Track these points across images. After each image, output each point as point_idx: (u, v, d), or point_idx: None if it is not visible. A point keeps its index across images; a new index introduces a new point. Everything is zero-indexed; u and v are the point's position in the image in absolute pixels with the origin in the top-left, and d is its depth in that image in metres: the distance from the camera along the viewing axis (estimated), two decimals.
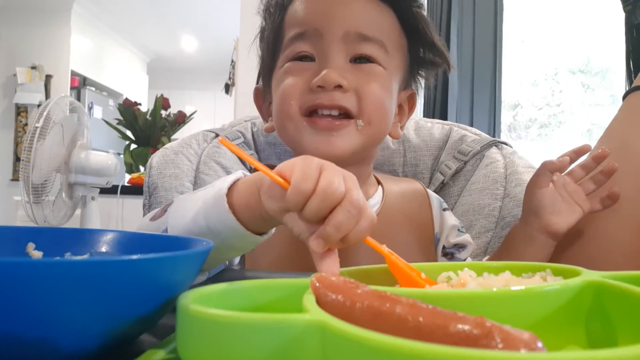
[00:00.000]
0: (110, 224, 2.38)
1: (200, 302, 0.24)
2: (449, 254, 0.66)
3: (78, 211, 2.02)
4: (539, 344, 0.18)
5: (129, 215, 2.43)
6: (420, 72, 0.67)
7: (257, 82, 0.68)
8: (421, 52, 0.64)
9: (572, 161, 0.58)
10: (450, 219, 0.67)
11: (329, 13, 0.58)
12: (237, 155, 0.39)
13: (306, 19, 0.58)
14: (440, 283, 0.34)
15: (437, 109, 2.52)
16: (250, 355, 0.21)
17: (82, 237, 0.39)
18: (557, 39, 3.46)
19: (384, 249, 0.36)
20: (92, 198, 2.02)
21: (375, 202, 0.64)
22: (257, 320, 0.20)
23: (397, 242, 0.61)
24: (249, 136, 0.82)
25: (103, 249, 0.38)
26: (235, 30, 2.29)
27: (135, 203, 2.44)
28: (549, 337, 0.26)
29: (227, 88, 2.68)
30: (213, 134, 0.79)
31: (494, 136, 2.55)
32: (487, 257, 0.65)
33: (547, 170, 0.57)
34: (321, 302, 0.24)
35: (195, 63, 5.82)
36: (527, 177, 0.73)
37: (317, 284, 0.25)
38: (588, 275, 0.28)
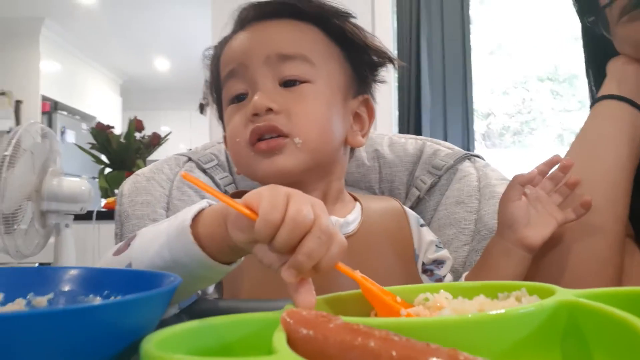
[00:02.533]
0: (86, 251, 2.32)
1: (164, 344, 0.23)
2: (428, 271, 0.65)
3: (52, 239, 1.97)
4: None
5: (106, 241, 2.38)
6: (369, 76, 0.68)
7: (223, 129, 0.70)
8: (362, 57, 0.65)
9: (543, 173, 0.59)
10: (428, 235, 0.67)
11: (249, 44, 0.61)
12: (201, 189, 0.38)
13: (233, 56, 0.62)
14: (417, 305, 0.34)
15: (412, 122, 2.55)
16: None
17: (45, 276, 0.37)
18: (525, 48, 3.55)
19: (357, 274, 0.36)
20: (66, 225, 1.97)
21: (353, 218, 0.63)
22: None
23: (378, 260, 0.61)
24: (223, 158, 0.81)
25: (67, 288, 0.36)
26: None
27: (112, 228, 2.39)
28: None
29: (202, 107, 2.67)
30: (185, 158, 0.77)
31: (468, 146, 2.58)
32: (466, 273, 0.65)
33: (518, 183, 0.58)
34: (292, 338, 0.24)
35: (169, 83, 5.78)
36: (501, 189, 0.74)
37: (288, 320, 0.24)
38: (562, 295, 0.28)
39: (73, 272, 0.38)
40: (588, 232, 0.57)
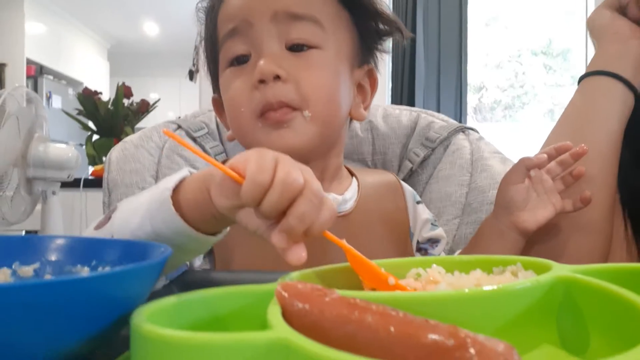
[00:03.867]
0: (73, 219, 2.30)
1: (155, 318, 0.23)
2: (422, 249, 0.65)
3: (38, 207, 1.95)
4: (515, 356, 0.18)
5: (93, 210, 2.36)
6: (375, 45, 0.64)
7: (213, 91, 0.66)
8: (370, 23, 0.62)
9: (550, 158, 0.57)
10: (424, 212, 0.66)
11: (256, 0, 0.56)
12: (185, 147, 0.37)
13: (235, 12, 0.57)
14: (408, 279, 0.34)
15: (405, 93, 2.53)
16: None
17: (31, 245, 0.36)
18: (520, 22, 3.51)
19: (344, 243, 0.35)
20: (53, 192, 1.95)
21: (350, 195, 0.62)
22: (216, 341, 0.19)
23: (373, 238, 0.60)
24: (213, 127, 0.79)
25: (53, 257, 0.36)
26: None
27: (99, 196, 2.37)
28: (522, 336, 0.25)
29: (192, 75, 2.62)
30: (175, 126, 0.76)
31: (460, 119, 2.57)
32: (458, 251, 0.65)
33: (524, 166, 0.57)
34: (287, 312, 0.23)
35: (158, 48, 5.65)
36: (493, 162, 0.73)
37: (283, 293, 0.24)
38: (558, 271, 0.28)
39: (59, 241, 0.37)
40: (578, 221, 0.57)
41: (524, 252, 0.58)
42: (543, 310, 0.26)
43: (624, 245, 0.60)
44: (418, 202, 0.67)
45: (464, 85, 2.67)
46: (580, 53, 3.18)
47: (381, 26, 0.62)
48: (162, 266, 0.27)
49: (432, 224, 0.66)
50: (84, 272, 0.34)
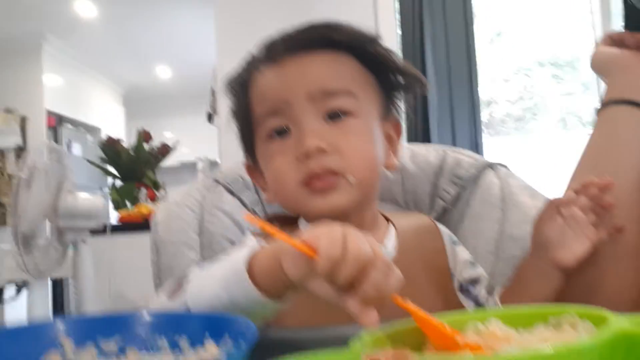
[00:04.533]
0: (102, 264, 2.34)
1: None
2: (465, 290, 0.66)
3: (69, 254, 1.99)
4: None
5: (121, 253, 2.40)
6: (396, 97, 0.68)
7: (245, 158, 0.70)
8: (391, 79, 0.66)
9: (578, 193, 0.58)
10: (463, 253, 0.68)
11: (291, 81, 0.60)
12: (268, 232, 0.40)
13: (271, 93, 0.61)
14: (468, 333, 0.35)
15: (419, 114, 2.55)
16: None
17: (110, 321, 0.39)
18: (524, 35, 3.54)
19: (410, 305, 0.37)
20: (83, 241, 2.00)
21: (390, 243, 0.64)
22: None
23: (416, 284, 0.61)
24: (247, 178, 0.82)
25: (135, 331, 0.38)
26: (211, 57, 2.28)
27: (126, 241, 2.41)
28: None
29: (210, 117, 2.69)
30: (213, 182, 0.79)
31: (475, 136, 2.56)
32: (497, 289, 0.66)
33: (555, 206, 0.58)
34: None
35: (172, 90, 5.80)
36: (523, 198, 0.75)
37: None
38: (617, 322, 0.29)
39: (134, 317, 0.39)
40: (612, 250, 0.58)
41: (566, 284, 0.59)
42: None
43: None
44: (454, 243, 0.68)
45: (476, 102, 2.68)
46: (588, 60, 3.19)
47: (403, 80, 0.66)
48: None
49: (471, 262, 0.67)
50: (163, 343, 0.37)
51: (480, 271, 0.67)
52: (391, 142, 0.67)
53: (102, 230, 2.14)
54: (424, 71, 2.53)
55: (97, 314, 0.39)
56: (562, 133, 3.36)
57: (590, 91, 3.25)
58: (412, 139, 2.41)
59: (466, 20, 2.65)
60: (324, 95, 0.59)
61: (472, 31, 2.66)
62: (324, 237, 0.37)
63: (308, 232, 0.38)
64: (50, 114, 4.26)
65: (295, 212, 0.63)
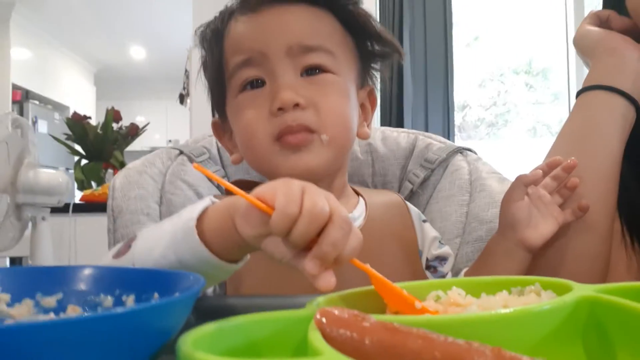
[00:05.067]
0: (62, 244, 2.27)
1: (201, 346, 0.23)
2: (431, 267, 0.66)
3: (27, 232, 1.92)
4: None
5: (83, 235, 2.33)
6: (372, 66, 0.67)
7: (212, 115, 0.67)
8: (369, 45, 0.65)
9: (545, 174, 0.59)
10: (431, 231, 0.67)
11: (269, 32, 0.57)
12: (212, 180, 0.37)
13: (247, 43, 0.58)
14: (429, 301, 0.34)
15: (394, 113, 2.56)
16: None
17: (52, 275, 0.36)
18: (501, 42, 3.60)
19: (369, 267, 0.36)
20: (43, 218, 1.92)
21: (358, 214, 0.63)
22: None
23: (384, 257, 0.61)
24: (214, 151, 0.80)
25: (75, 287, 0.36)
26: (187, 39, 2.24)
27: (89, 221, 2.34)
28: (552, 356, 0.26)
29: (182, 98, 2.63)
30: (177, 151, 0.76)
31: (448, 138, 2.61)
32: (465, 269, 0.66)
33: (522, 183, 0.58)
34: (327, 338, 0.24)
35: (145, 72, 5.67)
36: (491, 182, 0.75)
37: (322, 319, 0.24)
38: (581, 290, 0.29)
39: (79, 270, 0.37)
40: (581, 229, 0.58)
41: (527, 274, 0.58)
42: (569, 330, 0.27)
43: (624, 263, 0.61)
44: (424, 221, 0.68)
45: (450, 105, 2.72)
46: (560, 71, 3.27)
47: (380, 48, 0.65)
48: (198, 294, 0.27)
49: (439, 242, 0.67)
50: (109, 302, 0.35)
51: (447, 250, 0.67)
52: (365, 112, 0.66)
53: (63, 208, 2.06)
54: (401, 74, 2.54)
55: (40, 267, 0.36)
56: (532, 141, 3.43)
57: (559, 101, 3.33)
58: None
59: (445, 23, 2.67)
60: (303, 50, 0.57)
61: (451, 34, 2.68)
62: (281, 192, 0.34)
63: (264, 186, 0.36)
64: (15, 87, 4.11)
65: (263, 170, 0.60)
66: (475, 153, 0.81)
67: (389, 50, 0.65)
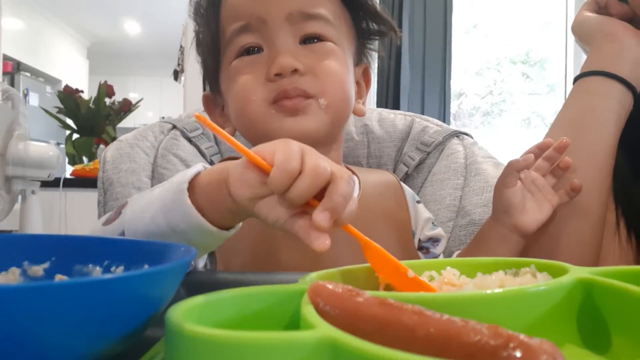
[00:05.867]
0: (52, 219, 2.26)
1: (188, 317, 0.22)
2: (424, 248, 0.66)
3: (17, 206, 1.90)
4: (559, 354, 0.18)
5: (73, 210, 2.31)
6: (368, 45, 0.67)
7: (204, 89, 0.66)
8: (365, 23, 0.64)
9: (536, 157, 0.58)
10: (425, 212, 0.67)
11: None
12: (217, 134, 0.36)
13: (246, 9, 0.57)
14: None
15: (390, 99, 2.55)
16: None
17: (40, 243, 0.35)
18: (500, 31, 3.58)
19: (363, 236, 0.36)
20: (33, 192, 1.90)
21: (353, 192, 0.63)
22: (262, 340, 0.19)
23: (376, 235, 0.60)
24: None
25: (62, 256, 0.35)
26: (183, 14, 2.20)
27: (79, 196, 2.32)
28: (546, 336, 0.25)
29: (176, 75, 2.59)
30: (170, 125, 0.75)
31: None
32: (458, 251, 0.66)
33: (514, 169, 0.57)
34: (320, 312, 0.23)
35: (140, 48, 5.58)
36: (486, 166, 0.75)
37: (315, 293, 0.24)
38: (577, 273, 0.28)
39: (67, 240, 0.36)
40: (574, 215, 0.58)
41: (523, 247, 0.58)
42: (564, 311, 0.27)
43: (616, 254, 0.61)
44: (418, 202, 0.68)
45: (447, 92, 2.71)
46: (557, 62, 3.26)
47: (376, 26, 0.64)
48: (189, 265, 0.27)
49: (432, 223, 0.67)
50: (97, 272, 0.34)
51: (440, 231, 0.67)
52: (360, 90, 0.65)
53: (54, 183, 2.04)
54: (399, 60, 2.52)
55: (28, 235, 0.35)
56: (526, 132, 3.43)
57: (555, 93, 3.32)
58: None
59: (445, 10, 2.64)
60: (303, 17, 0.56)
61: (450, 21, 2.66)
62: (281, 150, 0.34)
63: (262, 145, 0.35)
64: (7, 58, 4.04)
65: (258, 136, 0.58)
66: (471, 137, 0.80)
67: (385, 29, 0.64)
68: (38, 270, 0.34)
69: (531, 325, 0.25)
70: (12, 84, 4.09)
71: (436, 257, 0.65)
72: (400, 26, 2.56)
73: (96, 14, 4.76)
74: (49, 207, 2.26)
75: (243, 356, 0.19)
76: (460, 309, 0.24)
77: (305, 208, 0.34)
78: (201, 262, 0.56)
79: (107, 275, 0.28)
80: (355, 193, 0.62)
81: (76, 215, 2.31)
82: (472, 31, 3.60)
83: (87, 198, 2.34)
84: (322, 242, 0.32)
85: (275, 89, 0.54)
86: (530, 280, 0.30)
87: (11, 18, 4.09)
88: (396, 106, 2.51)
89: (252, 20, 0.56)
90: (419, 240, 0.66)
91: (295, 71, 0.54)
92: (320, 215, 0.32)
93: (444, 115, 2.68)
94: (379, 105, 2.54)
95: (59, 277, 0.34)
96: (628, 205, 0.62)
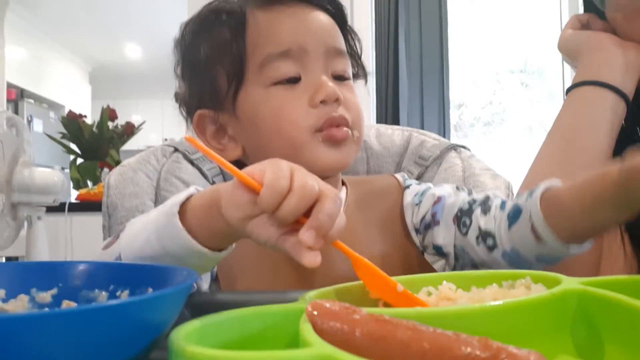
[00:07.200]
0: (58, 244, 2.27)
1: (192, 339, 0.23)
2: (422, 229, 0.60)
3: (23, 232, 1.91)
4: None
5: (79, 233, 2.32)
6: None
7: (193, 108, 0.63)
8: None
9: None
10: (408, 196, 0.63)
11: (309, 29, 0.59)
12: (206, 156, 0.38)
13: (287, 36, 0.58)
14: (420, 296, 0.35)
15: (389, 112, 2.57)
16: None
17: (47, 271, 0.36)
18: (497, 41, 3.61)
19: (352, 251, 0.36)
20: (38, 218, 1.91)
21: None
22: (261, 359, 0.20)
23: (374, 245, 0.59)
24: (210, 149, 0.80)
25: (69, 283, 0.36)
26: None
27: (84, 220, 2.33)
28: (540, 347, 0.26)
29: (178, 97, 2.62)
30: (172, 148, 0.76)
31: (444, 136, 2.61)
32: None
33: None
34: (318, 330, 0.24)
35: (141, 71, 5.65)
36: (484, 178, 0.75)
37: (313, 312, 0.25)
38: (569, 283, 0.29)
39: (74, 266, 0.37)
40: None
41: None
42: (557, 322, 0.27)
43: (620, 261, 0.61)
44: (406, 187, 0.64)
45: (446, 103, 2.72)
46: (555, 70, 3.28)
47: (355, 69, 0.67)
48: (191, 288, 0.27)
49: (418, 195, 0.62)
50: (102, 296, 0.35)
51: (426, 200, 0.61)
52: None
53: (59, 207, 2.06)
54: (396, 71, 2.55)
55: (35, 262, 0.36)
56: (529, 140, 3.44)
57: (555, 100, 3.34)
58: None
59: (441, 22, 2.67)
60: (336, 53, 0.60)
61: (447, 33, 2.69)
62: (270, 170, 0.35)
63: (252, 166, 0.36)
64: (10, 86, 4.09)
65: (298, 160, 0.56)
66: (468, 150, 0.81)
67: (360, 73, 0.68)
68: (46, 296, 0.35)
69: (524, 337, 0.26)
70: (16, 111, 4.14)
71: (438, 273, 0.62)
72: (396, 38, 2.59)
73: (97, 39, 4.83)
74: (55, 231, 2.27)
75: None
76: (453, 323, 0.25)
77: (295, 226, 0.35)
78: (205, 284, 0.57)
79: (112, 302, 0.29)
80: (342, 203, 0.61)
81: (82, 239, 2.32)
82: (470, 43, 3.64)
83: (93, 222, 2.35)
84: (312, 259, 0.33)
85: (323, 115, 0.56)
86: (524, 293, 0.30)
87: (14, 46, 4.15)
88: (395, 119, 2.53)
89: (293, 47, 0.57)
90: (416, 230, 0.61)
91: (336, 100, 0.56)
92: (306, 234, 0.33)
93: (443, 127, 2.70)
94: (378, 118, 2.56)
95: (67, 303, 0.35)
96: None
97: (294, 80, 0.58)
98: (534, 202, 0.45)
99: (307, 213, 0.35)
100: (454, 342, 0.21)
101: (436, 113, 2.70)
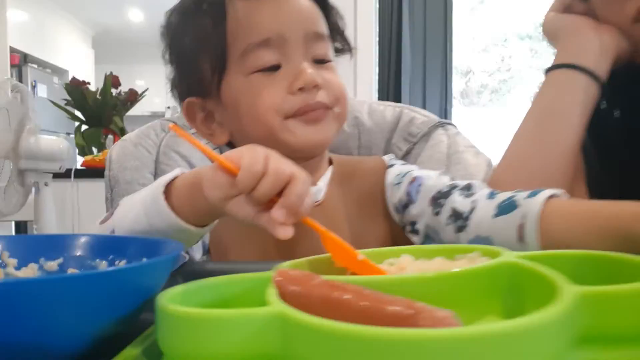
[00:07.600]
0: (65, 209, 2.33)
1: (175, 301, 0.28)
2: (400, 208, 0.63)
3: (31, 197, 1.97)
4: (457, 320, 0.23)
5: (85, 199, 2.39)
6: None
7: (183, 96, 0.66)
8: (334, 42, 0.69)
9: None
10: (389, 176, 0.66)
11: (288, 16, 0.60)
12: (190, 142, 0.42)
13: (266, 25, 0.59)
14: (383, 265, 0.39)
15: (392, 80, 2.57)
16: (220, 345, 0.25)
17: (54, 242, 0.41)
18: (506, 6, 3.55)
19: (319, 225, 0.41)
20: (45, 184, 1.97)
21: (323, 184, 0.65)
22: (225, 315, 0.25)
23: (351, 220, 0.64)
24: None
25: (74, 253, 0.41)
26: None
27: (90, 186, 2.39)
28: (470, 310, 0.31)
29: (172, 83, 2.62)
30: (171, 123, 0.80)
31: (445, 105, 2.59)
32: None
33: None
34: (282, 294, 0.28)
35: (144, 36, 5.60)
36: (467, 155, 0.79)
37: (278, 278, 0.29)
38: (505, 257, 0.33)
39: (79, 239, 0.42)
40: None
41: None
42: (490, 290, 0.32)
43: None
44: (389, 166, 0.68)
45: (449, 71, 2.71)
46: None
47: (340, 44, 0.69)
48: (177, 259, 0.32)
49: (400, 178, 0.65)
50: (103, 265, 0.40)
51: (405, 180, 0.64)
52: None
53: (65, 174, 2.12)
54: (399, 40, 2.54)
55: (43, 235, 0.41)
56: None
57: None
58: None
59: None
60: (316, 38, 0.61)
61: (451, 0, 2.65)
62: (247, 155, 0.39)
63: (230, 151, 0.41)
64: (13, 51, 4.09)
65: (277, 144, 0.57)
66: (455, 127, 0.85)
67: (347, 48, 0.69)
68: (53, 265, 0.40)
69: (459, 301, 0.31)
70: (20, 76, 4.16)
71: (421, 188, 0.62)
72: (399, 5, 2.57)
73: (100, 3, 4.79)
74: (62, 197, 2.33)
75: (209, 328, 0.24)
76: (397, 289, 0.30)
77: (270, 205, 0.40)
78: (197, 254, 0.62)
79: (110, 268, 0.34)
80: (324, 189, 0.65)
81: (88, 204, 2.39)
82: (478, 7, 3.58)
83: (98, 187, 2.40)
84: (284, 232, 0.39)
85: (299, 103, 0.59)
86: (464, 264, 0.35)
87: (16, 10, 4.13)
88: (397, 87, 2.53)
89: (272, 36, 0.59)
90: (396, 209, 0.64)
91: (315, 87, 0.59)
92: (278, 212, 0.39)
93: (445, 95, 2.69)
94: (380, 85, 2.56)
95: (71, 271, 0.40)
96: (599, 194, 0.66)
97: (274, 68, 0.60)
98: (535, 205, 0.48)
99: (280, 193, 0.39)
100: (385, 302, 0.25)
101: (438, 81, 2.69)
